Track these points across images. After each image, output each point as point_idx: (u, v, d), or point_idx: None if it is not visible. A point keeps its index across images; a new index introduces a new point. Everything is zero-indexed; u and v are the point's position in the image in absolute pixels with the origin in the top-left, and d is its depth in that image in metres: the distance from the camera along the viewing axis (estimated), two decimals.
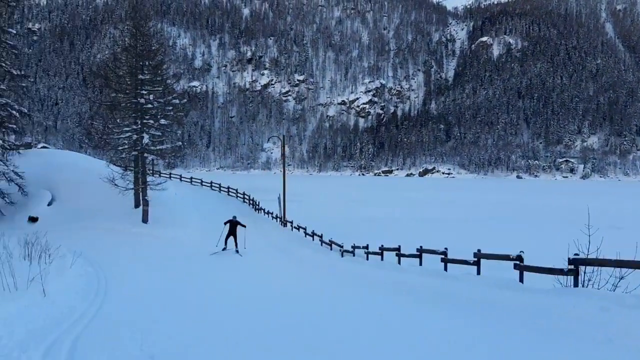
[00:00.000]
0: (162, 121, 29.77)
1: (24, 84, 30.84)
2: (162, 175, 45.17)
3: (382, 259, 19.89)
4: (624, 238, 15.07)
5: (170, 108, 30.57)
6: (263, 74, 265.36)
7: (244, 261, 20.69)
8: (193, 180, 53.19)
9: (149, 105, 29.09)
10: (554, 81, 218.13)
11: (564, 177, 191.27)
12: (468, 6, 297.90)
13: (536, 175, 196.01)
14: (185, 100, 37.22)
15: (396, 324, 9.21)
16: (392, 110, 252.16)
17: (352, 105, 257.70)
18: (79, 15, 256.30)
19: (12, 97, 29.04)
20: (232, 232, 22.94)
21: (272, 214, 39.46)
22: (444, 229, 36.29)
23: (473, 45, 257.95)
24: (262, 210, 41.64)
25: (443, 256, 14.80)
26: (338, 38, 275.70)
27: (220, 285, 15.19)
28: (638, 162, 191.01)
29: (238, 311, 10.64)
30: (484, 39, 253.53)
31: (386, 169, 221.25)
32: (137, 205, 30.24)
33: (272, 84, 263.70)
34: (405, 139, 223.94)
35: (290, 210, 38.25)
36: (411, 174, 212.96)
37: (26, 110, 30.91)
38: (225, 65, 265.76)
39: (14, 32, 29.72)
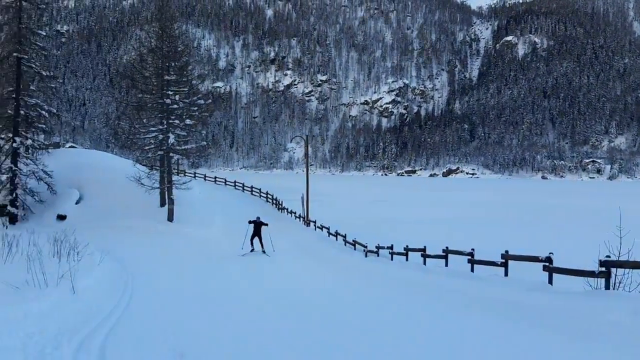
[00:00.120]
0: (188, 121, 30.04)
1: (53, 85, 31.37)
2: (187, 174, 45.62)
3: (406, 260, 19.75)
4: None
5: (195, 108, 30.88)
6: (286, 75, 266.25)
7: (271, 262, 20.67)
8: (217, 179, 53.67)
9: (175, 106, 29.39)
10: (581, 81, 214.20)
11: (590, 177, 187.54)
12: (493, 5, 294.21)
13: (562, 176, 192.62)
14: (210, 100, 37.50)
15: (431, 327, 9.17)
16: (415, 110, 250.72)
17: (375, 105, 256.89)
18: (106, 17, 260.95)
19: (42, 98, 29.51)
20: (256, 233, 22.98)
21: (295, 213, 39.54)
22: (468, 230, 35.81)
23: (498, 45, 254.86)
24: (286, 210, 41.74)
25: (470, 257, 14.63)
26: (361, 38, 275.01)
27: (246, 283, 15.27)
28: None
29: (265, 311, 10.67)
30: (509, 38, 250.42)
31: (409, 169, 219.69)
32: (162, 204, 30.57)
33: (295, 84, 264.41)
34: (429, 139, 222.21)
35: (313, 210, 38.26)
36: (435, 174, 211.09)
37: (55, 111, 31.37)
38: (249, 66, 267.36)
39: (44, 33, 30.23)
